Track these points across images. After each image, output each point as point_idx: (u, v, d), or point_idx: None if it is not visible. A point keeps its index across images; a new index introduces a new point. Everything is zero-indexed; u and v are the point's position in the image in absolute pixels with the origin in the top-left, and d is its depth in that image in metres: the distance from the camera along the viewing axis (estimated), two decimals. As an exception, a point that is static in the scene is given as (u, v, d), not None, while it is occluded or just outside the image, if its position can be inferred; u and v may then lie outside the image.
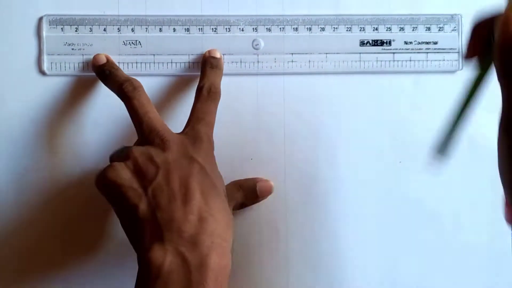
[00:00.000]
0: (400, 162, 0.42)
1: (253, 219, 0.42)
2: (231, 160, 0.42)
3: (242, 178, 0.41)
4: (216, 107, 0.38)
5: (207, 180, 0.35)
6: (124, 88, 0.37)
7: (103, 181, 0.35)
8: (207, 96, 0.38)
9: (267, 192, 0.42)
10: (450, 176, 0.42)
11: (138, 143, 0.37)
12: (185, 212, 0.33)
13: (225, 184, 0.38)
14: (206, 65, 0.40)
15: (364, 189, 0.42)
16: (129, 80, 0.38)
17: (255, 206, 0.42)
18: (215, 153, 0.37)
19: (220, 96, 0.39)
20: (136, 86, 0.37)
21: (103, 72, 0.40)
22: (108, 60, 0.41)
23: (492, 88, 0.29)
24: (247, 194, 0.41)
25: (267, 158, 0.42)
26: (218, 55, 0.41)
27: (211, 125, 0.38)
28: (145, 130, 0.36)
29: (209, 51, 0.41)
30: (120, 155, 0.36)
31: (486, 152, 0.41)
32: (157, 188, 0.34)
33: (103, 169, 0.35)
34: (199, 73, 0.41)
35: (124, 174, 0.34)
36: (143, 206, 0.34)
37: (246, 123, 0.42)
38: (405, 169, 0.42)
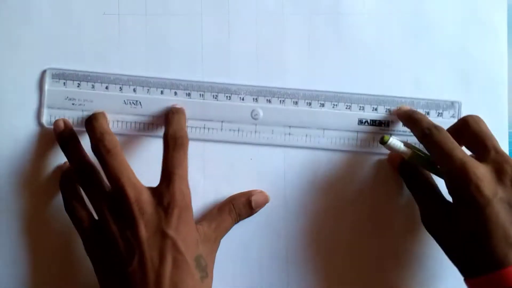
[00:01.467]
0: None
1: (253, 220, 0.42)
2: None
3: (235, 194, 0.42)
4: (185, 153, 0.38)
5: (178, 256, 0.36)
6: (97, 151, 0.37)
7: (87, 251, 0.37)
8: (173, 146, 0.38)
9: (263, 203, 0.42)
10: None
11: (112, 204, 0.37)
12: None
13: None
14: (168, 112, 0.41)
15: (364, 190, 0.42)
16: (101, 141, 0.37)
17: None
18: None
19: (187, 140, 0.39)
20: (109, 149, 0.37)
21: (85, 122, 0.39)
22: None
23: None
24: (241, 211, 0.41)
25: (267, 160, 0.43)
26: (177, 105, 0.42)
27: (184, 178, 0.38)
28: (117, 198, 0.36)
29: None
30: (99, 220, 0.37)
31: None
32: (132, 273, 0.35)
33: (83, 242, 0.37)
34: (197, 138, 0.41)
35: (104, 253, 0.36)
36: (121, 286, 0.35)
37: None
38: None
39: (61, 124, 0.40)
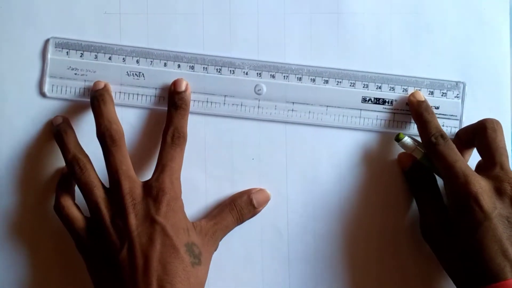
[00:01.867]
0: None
1: (255, 219, 0.42)
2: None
3: (235, 193, 0.42)
4: (182, 151, 0.39)
5: (167, 241, 0.36)
6: (103, 140, 0.38)
7: (79, 251, 0.38)
8: (171, 143, 0.39)
9: (265, 201, 0.42)
10: None
11: (107, 193, 0.38)
12: (145, 284, 0.35)
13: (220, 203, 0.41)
14: (170, 104, 0.40)
15: (365, 188, 0.42)
16: (108, 130, 0.38)
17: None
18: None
19: (185, 139, 0.39)
20: (115, 140, 0.38)
21: (93, 104, 0.39)
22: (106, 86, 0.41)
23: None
24: (243, 209, 0.41)
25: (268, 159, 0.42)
26: (182, 87, 0.41)
27: (176, 171, 0.38)
28: (113, 187, 0.38)
29: (174, 84, 0.41)
30: (91, 213, 0.38)
31: None
32: (122, 261, 0.36)
33: (75, 242, 0.38)
34: (200, 112, 0.41)
35: (95, 249, 0.37)
36: (111, 279, 0.36)
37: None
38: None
39: (59, 119, 0.41)
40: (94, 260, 0.38)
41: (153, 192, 0.37)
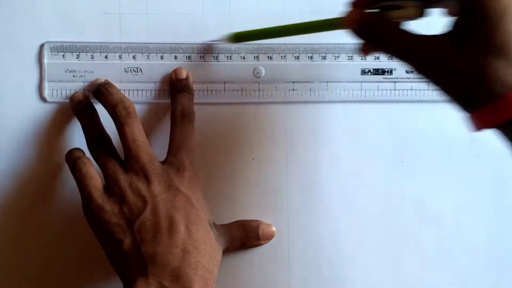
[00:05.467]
0: (402, 162, 0.43)
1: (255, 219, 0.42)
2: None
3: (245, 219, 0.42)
4: (193, 128, 0.39)
5: (192, 211, 0.36)
6: (116, 112, 0.37)
7: (89, 214, 0.36)
8: (181, 120, 0.38)
9: (269, 236, 0.42)
10: (452, 176, 0.43)
11: (124, 167, 0.37)
12: (169, 246, 0.34)
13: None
14: (173, 90, 0.40)
15: (365, 189, 0.43)
16: (122, 102, 0.37)
17: (255, 205, 0.42)
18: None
19: (194, 116, 0.39)
20: (129, 112, 0.37)
21: (99, 91, 0.39)
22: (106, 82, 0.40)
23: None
24: (248, 233, 0.41)
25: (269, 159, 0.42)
26: (183, 75, 0.41)
27: (192, 151, 0.38)
28: (131, 158, 0.37)
29: (174, 72, 0.41)
30: (107, 181, 0.36)
31: (488, 152, 0.42)
32: (143, 222, 0.35)
33: (90, 201, 0.36)
34: (201, 101, 0.41)
35: (111, 210, 0.35)
36: (128, 241, 0.34)
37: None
38: (406, 169, 0.43)
39: (80, 95, 0.40)
40: (108, 224, 0.35)
41: (173, 166, 0.37)
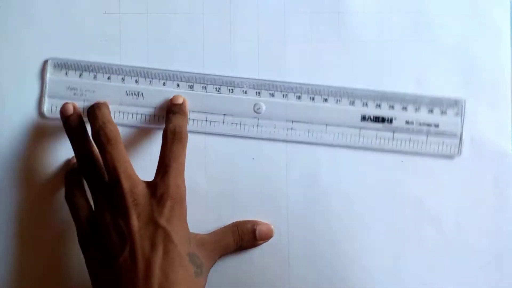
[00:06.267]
0: (402, 161, 0.42)
1: (254, 219, 0.42)
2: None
3: (242, 220, 0.42)
4: (184, 149, 0.38)
5: (170, 247, 0.35)
6: (98, 137, 0.37)
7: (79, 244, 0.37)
8: (172, 138, 0.38)
9: (267, 236, 0.42)
10: (452, 175, 0.42)
11: (108, 196, 0.37)
12: None
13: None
14: (169, 112, 0.40)
15: (365, 188, 0.42)
16: (103, 129, 0.37)
17: (255, 205, 0.42)
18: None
19: (187, 137, 0.39)
20: (110, 138, 0.37)
21: (88, 111, 0.39)
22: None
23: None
24: (244, 237, 0.41)
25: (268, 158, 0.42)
26: (180, 100, 0.41)
27: (180, 172, 0.37)
28: (111, 186, 0.37)
29: (171, 99, 0.41)
30: (95, 208, 0.37)
31: (488, 152, 0.42)
32: (123, 264, 0.35)
33: (78, 233, 0.37)
34: (201, 131, 0.41)
35: (94, 250, 0.36)
36: (108, 282, 0.35)
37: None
38: (406, 169, 0.42)
39: (70, 108, 0.40)
40: (94, 257, 0.37)
41: (157, 193, 0.36)
